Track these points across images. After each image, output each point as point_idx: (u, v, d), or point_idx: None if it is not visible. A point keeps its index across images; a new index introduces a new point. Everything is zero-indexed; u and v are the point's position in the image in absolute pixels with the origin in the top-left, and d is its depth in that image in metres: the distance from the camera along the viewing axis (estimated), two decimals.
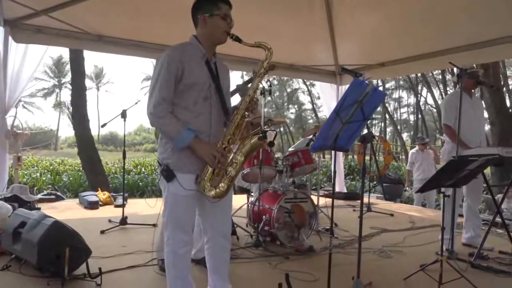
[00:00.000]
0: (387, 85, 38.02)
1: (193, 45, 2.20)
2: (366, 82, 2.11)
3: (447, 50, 5.79)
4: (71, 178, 10.91)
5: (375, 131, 39.95)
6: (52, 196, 6.56)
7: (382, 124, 39.81)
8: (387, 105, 38.23)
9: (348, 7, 5.59)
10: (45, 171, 12.96)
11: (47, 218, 2.98)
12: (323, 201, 5.84)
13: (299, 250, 3.86)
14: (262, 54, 2.19)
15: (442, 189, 2.90)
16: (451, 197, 3.64)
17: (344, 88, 8.16)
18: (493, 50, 5.33)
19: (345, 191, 8.55)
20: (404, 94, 41.56)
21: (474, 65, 4.60)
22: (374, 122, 43.88)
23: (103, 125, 4.65)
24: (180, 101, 2.12)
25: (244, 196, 5.00)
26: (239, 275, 3.18)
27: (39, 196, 6.54)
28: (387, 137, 40.05)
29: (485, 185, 4.18)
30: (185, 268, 2.23)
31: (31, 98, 47.51)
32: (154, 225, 4.73)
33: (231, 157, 2.13)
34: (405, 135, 41.04)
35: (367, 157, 7.01)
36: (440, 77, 26.51)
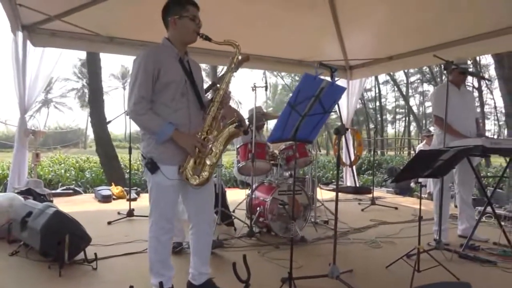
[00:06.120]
0: (412, 79, 37.25)
1: (166, 46, 2.38)
2: (320, 77, 2.23)
3: (456, 41, 5.65)
4: (93, 175, 11.37)
5: (399, 127, 39.13)
6: (70, 191, 6.94)
7: (406, 119, 38.99)
8: (412, 98, 37.48)
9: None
10: (71, 168, 13.49)
11: (50, 208, 3.25)
12: (331, 194, 5.94)
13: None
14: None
15: (419, 180, 2.97)
16: (438, 188, 3.70)
17: (354, 82, 8.20)
18: (504, 40, 5.09)
19: (357, 185, 8.58)
20: (431, 88, 40.22)
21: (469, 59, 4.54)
22: (397, 117, 42.91)
23: (108, 122, 4.92)
24: (159, 98, 2.30)
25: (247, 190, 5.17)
26: (224, 260, 3.39)
27: (59, 190, 6.96)
28: (412, 133, 39.26)
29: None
30: (166, 253, 2.45)
31: (62, 98, 49.32)
32: None
33: (210, 146, 2.32)
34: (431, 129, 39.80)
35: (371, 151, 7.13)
36: None
